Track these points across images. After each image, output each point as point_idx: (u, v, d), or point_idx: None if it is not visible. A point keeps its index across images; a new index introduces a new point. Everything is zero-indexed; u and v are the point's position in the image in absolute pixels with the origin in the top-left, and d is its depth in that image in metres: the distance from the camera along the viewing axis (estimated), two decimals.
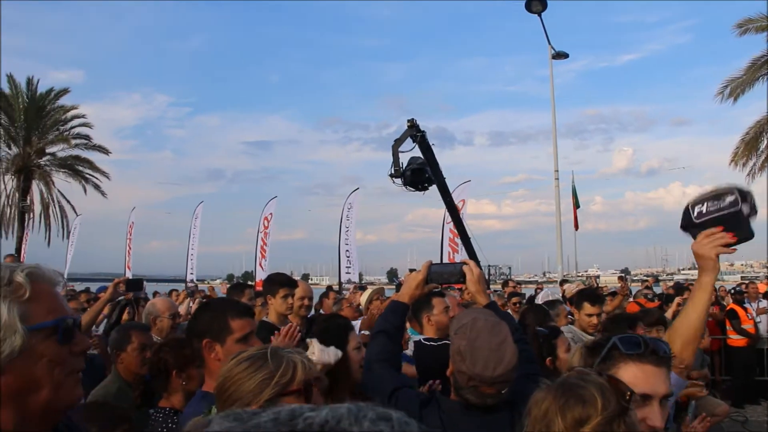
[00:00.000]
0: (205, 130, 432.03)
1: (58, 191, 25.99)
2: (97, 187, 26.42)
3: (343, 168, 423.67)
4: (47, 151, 25.43)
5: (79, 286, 13.61)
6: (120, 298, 5.08)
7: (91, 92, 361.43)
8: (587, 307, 4.73)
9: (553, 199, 16.90)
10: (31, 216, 25.03)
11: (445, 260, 14.71)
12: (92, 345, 4.47)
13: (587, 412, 1.35)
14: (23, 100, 24.93)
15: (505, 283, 11.96)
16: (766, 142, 20.49)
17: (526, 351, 2.39)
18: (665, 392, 1.63)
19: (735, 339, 10.18)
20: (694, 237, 2.07)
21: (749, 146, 20.65)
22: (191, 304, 9.47)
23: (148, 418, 2.80)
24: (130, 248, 24.60)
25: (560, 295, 8.93)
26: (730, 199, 2.03)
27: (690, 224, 2.09)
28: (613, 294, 7.95)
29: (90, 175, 26.25)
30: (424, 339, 3.75)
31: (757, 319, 10.33)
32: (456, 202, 7.93)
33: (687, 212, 2.13)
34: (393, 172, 5.30)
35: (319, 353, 2.53)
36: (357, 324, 3.99)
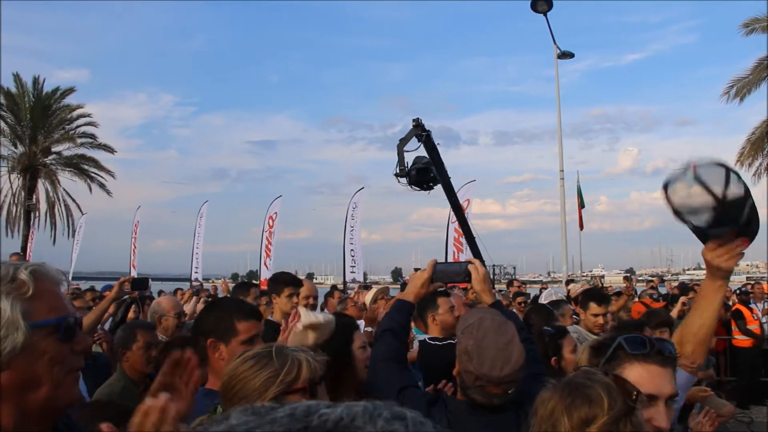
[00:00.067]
0: (209, 129, 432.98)
1: (64, 190, 26.11)
2: (102, 185, 26.62)
3: (348, 167, 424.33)
4: (53, 149, 25.55)
5: (84, 285, 13.63)
6: (125, 297, 5.10)
7: (97, 91, 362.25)
8: (593, 307, 4.71)
9: (557, 198, 16.79)
10: (37, 215, 25.15)
11: (450, 260, 14.69)
12: (97, 341, 4.49)
13: (594, 411, 1.35)
14: (29, 99, 25.03)
15: (509, 283, 11.97)
16: None
17: (531, 351, 2.38)
18: (671, 392, 1.62)
19: (740, 339, 10.13)
20: (699, 237, 2.03)
21: (755, 146, 20.60)
22: (197, 304, 9.47)
23: None
24: (135, 247, 24.59)
25: (564, 294, 8.92)
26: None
27: (700, 231, 2.04)
28: (618, 294, 7.93)
29: (95, 173, 26.41)
30: (429, 338, 3.75)
31: (763, 320, 10.27)
32: (461, 202, 7.92)
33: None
34: (398, 171, 5.29)
35: (306, 315, 2.45)
36: (362, 323, 3.99)
